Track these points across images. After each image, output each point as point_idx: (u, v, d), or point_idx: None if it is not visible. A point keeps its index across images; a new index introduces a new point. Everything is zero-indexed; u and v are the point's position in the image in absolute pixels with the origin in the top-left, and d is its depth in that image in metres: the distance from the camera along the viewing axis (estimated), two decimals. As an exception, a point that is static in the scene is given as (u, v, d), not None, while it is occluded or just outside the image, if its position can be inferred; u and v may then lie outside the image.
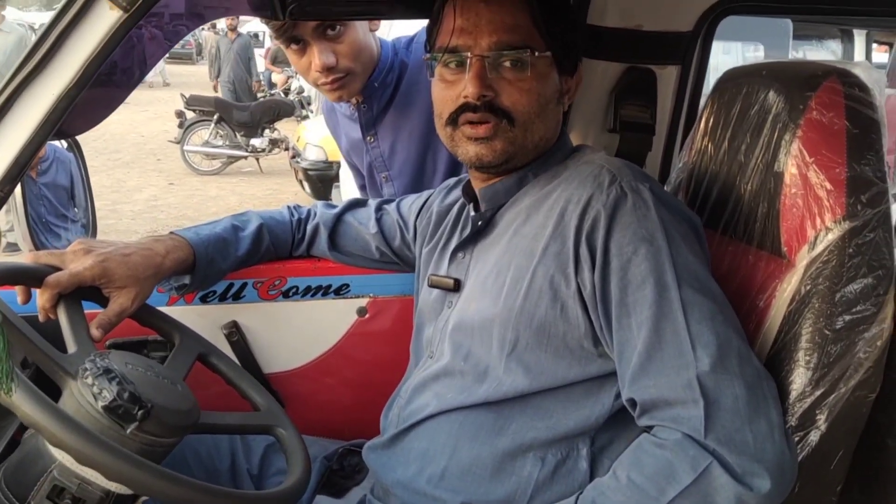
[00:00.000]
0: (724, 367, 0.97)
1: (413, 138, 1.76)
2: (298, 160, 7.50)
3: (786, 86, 1.13)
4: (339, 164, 6.53)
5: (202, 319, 1.47)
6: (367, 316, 1.57)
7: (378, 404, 1.34)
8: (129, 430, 0.98)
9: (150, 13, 1.14)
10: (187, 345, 1.26)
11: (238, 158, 9.65)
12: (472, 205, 1.28)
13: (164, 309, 1.38)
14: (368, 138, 1.82)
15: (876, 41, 4.01)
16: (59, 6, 1.09)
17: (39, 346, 0.99)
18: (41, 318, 1.15)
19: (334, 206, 1.55)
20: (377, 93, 1.73)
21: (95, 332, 1.14)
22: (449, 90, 1.15)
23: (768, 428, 0.95)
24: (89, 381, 0.98)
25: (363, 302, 1.57)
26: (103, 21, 1.09)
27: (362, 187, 2.01)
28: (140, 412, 0.98)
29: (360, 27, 1.60)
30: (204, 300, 1.49)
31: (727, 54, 4.50)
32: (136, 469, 0.90)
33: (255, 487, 1.36)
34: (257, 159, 9.72)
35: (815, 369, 1.01)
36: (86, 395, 0.98)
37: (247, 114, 9.68)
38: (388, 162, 1.83)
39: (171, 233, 1.35)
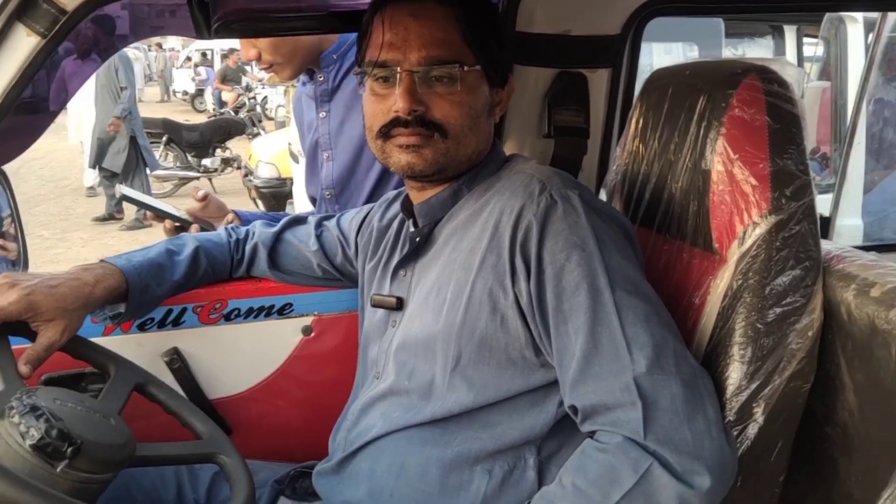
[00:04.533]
0: (660, 367, 0.97)
1: (361, 118, 1.77)
2: (251, 178, 7.45)
3: (708, 84, 1.15)
4: (292, 180, 6.48)
5: (141, 348, 1.44)
6: (312, 335, 1.55)
7: (328, 424, 1.32)
8: (59, 469, 0.95)
9: (70, 37, 1.12)
10: (123, 375, 1.22)
11: (190, 179, 9.51)
12: (410, 220, 1.28)
13: (100, 340, 1.34)
14: (321, 113, 1.84)
15: (807, 35, 4.13)
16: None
17: None
18: None
19: (273, 225, 1.53)
20: (335, 64, 1.77)
21: (24, 369, 1.11)
22: (380, 104, 1.14)
23: (706, 425, 0.95)
24: (16, 419, 0.95)
25: (308, 321, 1.55)
26: (21, 48, 1.07)
27: (313, 200, 2.00)
28: (70, 449, 0.95)
29: None
30: (142, 328, 1.45)
31: (669, 54, 4.57)
32: None
33: (203, 517, 1.33)
34: (210, 179, 9.60)
35: (750, 363, 1.03)
36: (13, 434, 0.94)
37: (197, 134, 9.56)
38: (333, 139, 1.84)
39: (102, 260, 1.31)
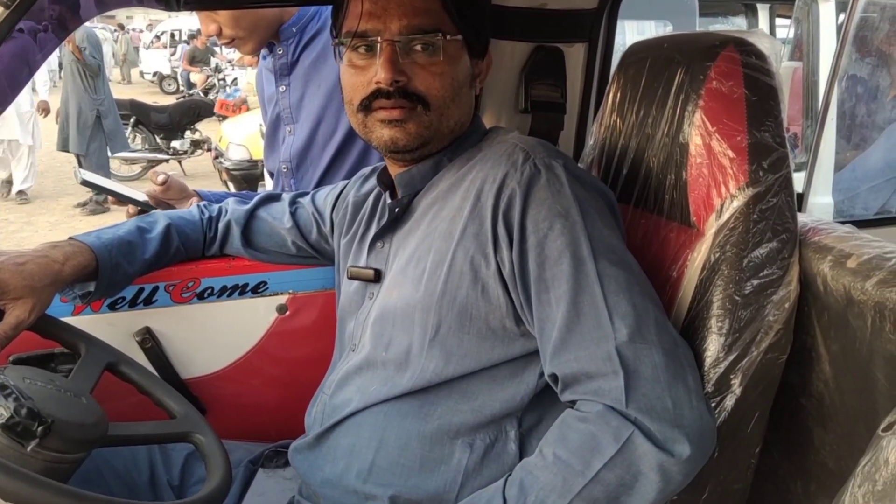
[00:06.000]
0: (641, 336, 0.97)
1: (320, 91, 1.77)
2: (222, 160, 7.33)
3: (686, 57, 1.15)
4: (263, 162, 6.39)
5: (112, 328, 1.41)
6: (287, 313, 1.53)
7: (304, 403, 1.31)
8: (29, 448, 0.92)
9: (34, 8, 1.08)
10: (94, 355, 1.20)
11: (159, 162, 9.33)
12: (388, 192, 1.26)
13: (70, 319, 1.31)
14: (281, 87, 1.82)
15: (779, 15, 4.15)
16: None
17: None
18: None
19: (246, 202, 1.50)
20: (294, 37, 1.75)
21: (-9, 348, 1.08)
22: (359, 76, 1.12)
23: (686, 393, 0.96)
24: None
25: (283, 299, 1.53)
26: (-18, 18, 1.03)
27: (270, 174, 1.98)
28: (40, 428, 0.92)
29: None
30: (113, 307, 1.42)
31: (642, 35, 4.57)
32: (34, 489, 0.84)
33: (177, 499, 1.31)
34: (179, 162, 9.45)
35: (728, 335, 1.03)
36: None
37: (165, 115, 9.38)
38: (294, 114, 1.82)
39: (71, 238, 1.28)
